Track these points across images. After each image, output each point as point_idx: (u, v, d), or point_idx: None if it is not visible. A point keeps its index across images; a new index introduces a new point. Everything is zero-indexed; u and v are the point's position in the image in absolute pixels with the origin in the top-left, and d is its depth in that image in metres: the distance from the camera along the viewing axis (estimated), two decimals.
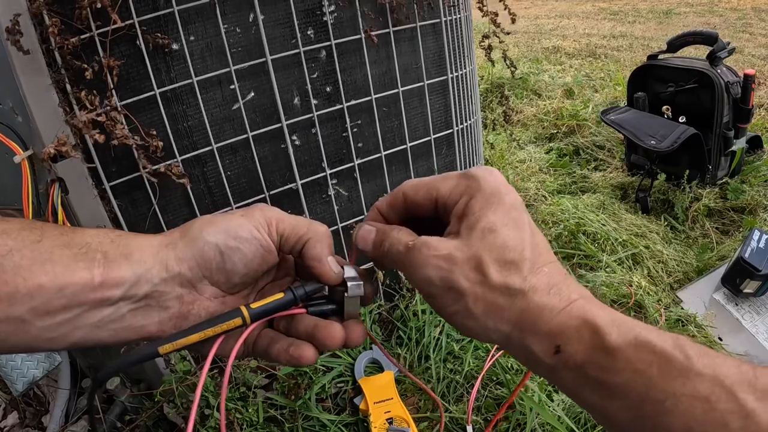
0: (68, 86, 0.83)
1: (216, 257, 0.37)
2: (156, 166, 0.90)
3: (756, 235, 1.39)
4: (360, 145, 1.11)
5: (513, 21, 1.19)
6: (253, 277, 0.40)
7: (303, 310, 0.40)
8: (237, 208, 0.94)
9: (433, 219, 0.40)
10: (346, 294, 0.40)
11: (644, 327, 0.32)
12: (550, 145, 2.26)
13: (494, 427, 1.00)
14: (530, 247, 0.35)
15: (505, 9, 1.11)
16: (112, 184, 0.91)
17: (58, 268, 0.33)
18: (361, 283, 0.40)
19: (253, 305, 0.38)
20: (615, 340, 0.31)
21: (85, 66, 0.82)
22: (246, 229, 0.38)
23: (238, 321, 0.37)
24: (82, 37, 0.82)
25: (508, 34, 1.21)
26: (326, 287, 0.42)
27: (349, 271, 0.41)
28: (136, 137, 0.87)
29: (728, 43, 1.84)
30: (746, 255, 1.32)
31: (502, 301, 0.34)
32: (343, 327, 0.40)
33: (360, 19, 1.01)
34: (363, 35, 1.02)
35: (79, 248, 0.35)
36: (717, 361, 0.29)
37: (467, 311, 0.35)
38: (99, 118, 0.83)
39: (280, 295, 0.39)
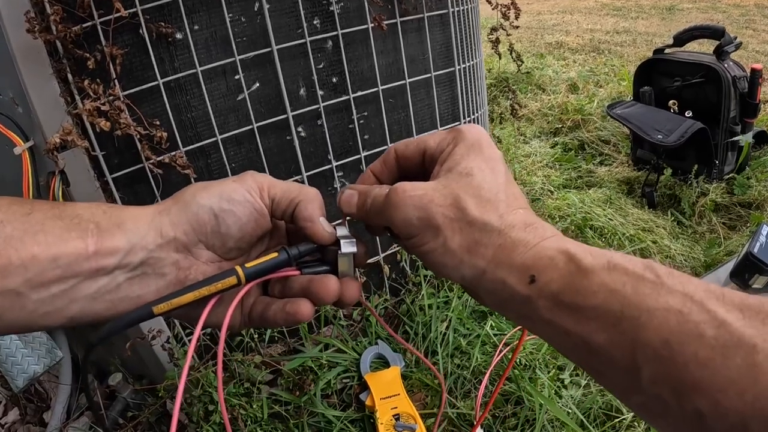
0: (70, 76, 0.82)
1: (211, 220, 0.38)
2: (160, 157, 0.89)
3: (764, 230, 1.37)
4: (366, 137, 1.09)
5: (517, 16, 1.18)
6: (247, 242, 0.41)
7: (297, 272, 0.40)
8: None
9: (423, 176, 0.41)
10: (339, 251, 0.40)
11: (615, 253, 0.33)
12: (555, 139, 2.25)
13: (503, 424, 0.99)
14: (504, 192, 0.37)
15: (512, 3, 1.10)
16: (114, 175, 0.89)
17: (51, 239, 0.33)
18: (354, 240, 0.41)
19: (248, 264, 0.38)
20: (589, 263, 0.32)
21: (88, 55, 0.80)
22: (239, 193, 0.39)
23: (233, 280, 0.37)
24: (85, 25, 0.80)
25: (517, 27, 1.20)
26: (319, 249, 0.42)
27: (342, 231, 0.41)
28: (139, 128, 0.86)
29: (735, 38, 1.82)
30: (755, 250, 1.30)
31: (479, 236, 0.36)
32: (338, 282, 0.40)
33: (367, 9, 0.99)
34: (371, 24, 1.00)
35: (70, 219, 0.34)
36: (684, 279, 0.30)
37: (444, 247, 0.36)
38: (103, 107, 0.81)
39: (274, 255, 0.39)
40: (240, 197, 0.38)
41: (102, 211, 0.36)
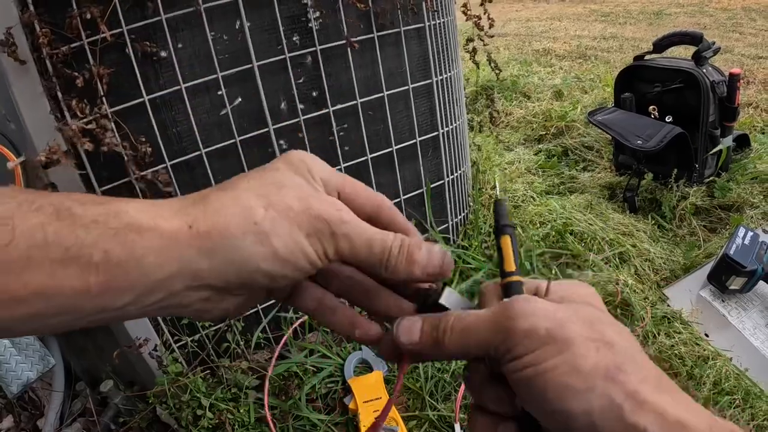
0: (59, 94, 0.85)
1: (264, 284, 0.31)
2: (143, 173, 0.92)
3: (741, 232, 1.41)
4: (346, 148, 1.13)
5: (491, 26, 1.22)
6: None
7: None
8: None
9: None
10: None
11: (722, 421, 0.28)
12: (539, 146, 2.28)
13: None
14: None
15: (485, 13, 1.14)
16: (103, 189, 0.93)
17: (40, 277, 0.26)
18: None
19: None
20: None
21: (76, 74, 0.84)
22: (310, 259, 0.31)
23: None
24: (73, 46, 0.84)
25: (492, 37, 1.24)
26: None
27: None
28: (125, 144, 0.89)
29: (713, 43, 1.86)
30: (731, 252, 1.34)
31: (621, 361, 0.29)
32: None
33: (344, 26, 1.03)
34: (346, 42, 1.04)
35: (66, 249, 0.27)
36: None
37: (572, 366, 0.29)
38: (89, 126, 0.85)
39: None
40: (304, 264, 0.31)
41: (113, 232, 0.28)
